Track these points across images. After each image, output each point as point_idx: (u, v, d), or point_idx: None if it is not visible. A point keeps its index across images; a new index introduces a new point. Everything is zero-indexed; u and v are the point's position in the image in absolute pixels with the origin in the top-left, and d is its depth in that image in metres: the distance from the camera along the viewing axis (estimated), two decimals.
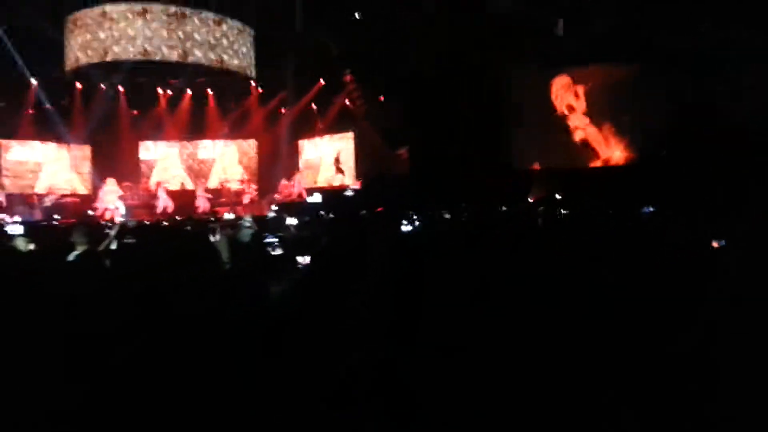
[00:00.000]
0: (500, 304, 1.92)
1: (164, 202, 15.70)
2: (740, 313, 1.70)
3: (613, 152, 13.73)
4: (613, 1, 11.44)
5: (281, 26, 14.30)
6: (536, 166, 14.00)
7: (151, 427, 1.32)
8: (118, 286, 2.44)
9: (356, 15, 13.79)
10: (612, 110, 13.68)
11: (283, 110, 17.68)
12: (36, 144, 16.41)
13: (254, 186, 17.50)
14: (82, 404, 1.33)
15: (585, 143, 13.92)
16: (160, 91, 16.90)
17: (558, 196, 12.19)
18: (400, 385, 1.43)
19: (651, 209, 6.88)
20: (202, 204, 15.77)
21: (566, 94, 14.00)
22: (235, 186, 17.36)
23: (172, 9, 13.38)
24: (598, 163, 13.83)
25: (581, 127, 13.93)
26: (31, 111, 15.85)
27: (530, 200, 13.29)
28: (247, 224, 5.40)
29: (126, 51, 13.13)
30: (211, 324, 1.56)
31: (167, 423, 1.33)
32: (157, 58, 13.33)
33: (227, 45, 14.13)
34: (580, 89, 13.89)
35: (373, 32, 13.81)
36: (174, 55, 13.44)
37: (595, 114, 13.83)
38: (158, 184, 16.96)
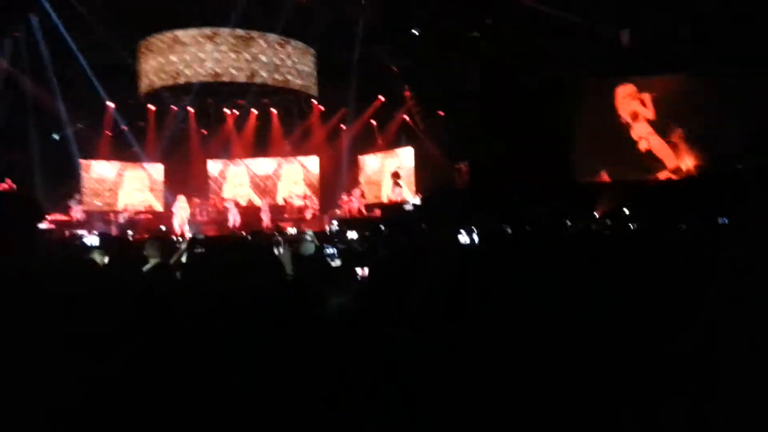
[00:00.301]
0: (564, 324, 1.87)
1: (234, 217, 16.24)
2: None
3: (683, 162, 13.19)
4: (683, 8, 11.04)
5: (342, 45, 14.61)
6: (604, 177, 13.58)
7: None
8: (186, 295, 2.54)
9: (414, 31, 13.90)
10: (681, 119, 13.17)
11: (343, 127, 17.98)
12: (113, 163, 17.37)
13: (316, 201, 17.83)
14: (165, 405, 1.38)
15: (651, 153, 13.45)
16: (227, 111, 17.56)
17: (626, 211, 11.79)
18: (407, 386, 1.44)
19: (726, 220, 6.55)
20: (266, 219, 16.18)
21: (631, 103, 13.59)
22: (297, 202, 17.74)
23: (239, 32, 13.97)
24: (665, 174, 13.32)
25: (646, 137, 13.48)
26: (108, 132, 16.80)
27: (596, 214, 12.90)
28: (309, 238, 5.52)
29: (196, 73, 13.79)
30: (274, 326, 1.62)
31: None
32: (226, 79, 13.94)
33: (291, 65, 14.63)
34: (647, 97, 13.46)
35: (432, 47, 13.87)
36: (241, 77, 14.03)
37: (662, 123, 13.35)
38: (225, 200, 17.57)
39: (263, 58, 14.20)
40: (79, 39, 13.39)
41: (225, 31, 13.91)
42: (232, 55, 13.93)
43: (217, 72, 13.84)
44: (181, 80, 13.90)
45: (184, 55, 13.78)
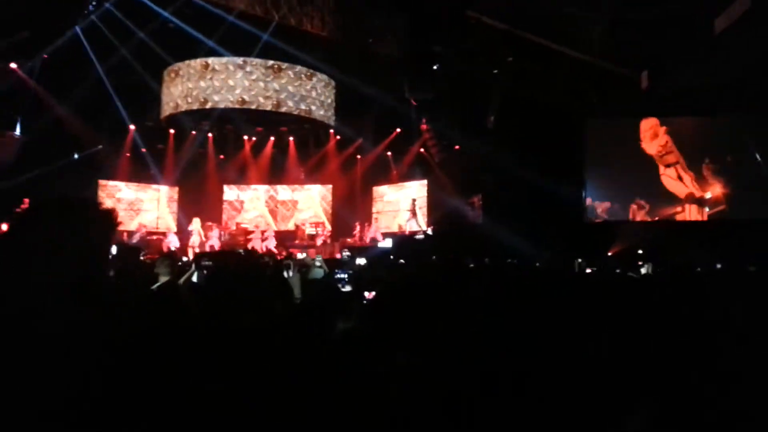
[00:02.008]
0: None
1: (246, 242, 16.32)
2: None
3: (702, 204, 13.13)
4: (700, 53, 11.10)
5: (362, 76, 14.85)
6: (638, 216, 13.48)
7: None
8: (193, 314, 2.54)
9: (433, 66, 14.09)
10: (699, 160, 13.16)
11: (359, 157, 18.13)
12: (131, 184, 17.62)
13: (328, 229, 17.88)
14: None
15: (669, 193, 13.39)
16: (245, 137, 17.81)
17: (639, 251, 11.69)
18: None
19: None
20: (273, 244, 16.25)
21: (651, 143, 13.60)
22: (309, 229, 17.81)
23: (270, 63, 14.32)
24: (683, 215, 13.24)
25: (665, 176, 13.45)
26: (128, 154, 17.08)
27: (609, 254, 12.81)
28: (318, 264, 5.54)
29: (225, 100, 14.11)
30: (277, 346, 1.61)
31: None
32: (254, 107, 14.25)
33: (315, 97, 14.97)
34: (666, 137, 13.48)
35: (452, 83, 14.04)
36: (268, 105, 14.37)
37: (680, 164, 13.33)
38: (239, 224, 17.70)
39: (290, 89, 14.55)
40: (104, 61, 13.72)
41: (256, 61, 14.28)
42: (261, 84, 14.28)
43: (246, 99, 14.16)
44: (209, 105, 14.20)
45: (214, 82, 14.12)
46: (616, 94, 13.10)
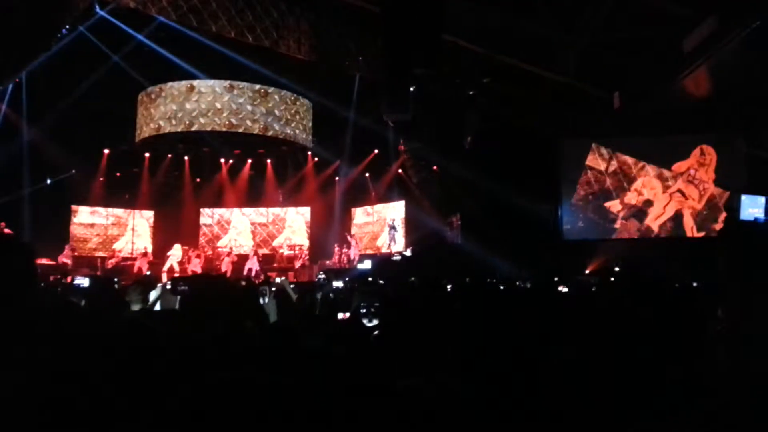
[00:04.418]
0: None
1: (226, 266, 16.14)
2: None
3: (665, 218, 13.40)
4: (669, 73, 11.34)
5: (339, 98, 14.89)
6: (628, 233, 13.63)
7: None
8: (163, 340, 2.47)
9: (410, 88, 14.20)
10: (676, 176, 13.45)
11: (337, 178, 18.12)
12: (105, 209, 17.33)
13: (306, 252, 17.76)
14: None
15: (640, 211, 13.60)
16: (222, 160, 17.69)
17: (616, 268, 11.79)
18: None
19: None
20: (254, 267, 16.07)
21: (622, 162, 13.83)
22: (287, 251, 17.67)
23: (257, 86, 14.41)
24: (656, 232, 13.47)
25: (639, 193, 13.68)
26: (102, 179, 16.83)
27: (587, 272, 12.91)
28: (291, 287, 5.49)
29: (212, 123, 14.05)
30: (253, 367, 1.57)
31: None
32: (241, 130, 14.24)
33: (298, 120, 15.03)
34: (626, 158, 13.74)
35: (429, 104, 14.14)
36: (256, 129, 14.39)
37: (654, 181, 13.59)
38: (218, 248, 17.48)
39: (276, 112, 14.60)
40: (77, 85, 13.56)
41: (244, 84, 14.31)
42: (249, 108, 14.29)
43: (233, 123, 14.15)
44: (194, 128, 14.13)
45: (200, 104, 14.07)
46: (591, 115, 13.32)
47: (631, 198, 13.65)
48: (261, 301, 4.72)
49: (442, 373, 1.77)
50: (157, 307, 4.85)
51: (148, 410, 1.45)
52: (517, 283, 8.35)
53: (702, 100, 11.00)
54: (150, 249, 17.46)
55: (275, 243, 18.35)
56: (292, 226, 18.69)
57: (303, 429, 1.34)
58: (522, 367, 1.92)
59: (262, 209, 18.84)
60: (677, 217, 13.39)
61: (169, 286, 4.98)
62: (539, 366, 1.98)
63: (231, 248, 17.52)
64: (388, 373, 1.75)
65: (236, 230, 18.64)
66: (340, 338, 1.98)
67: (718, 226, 12.80)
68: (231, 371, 1.59)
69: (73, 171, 15.78)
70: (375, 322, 2.77)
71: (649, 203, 13.56)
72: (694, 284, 6.47)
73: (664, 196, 13.49)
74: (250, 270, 15.88)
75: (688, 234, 13.28)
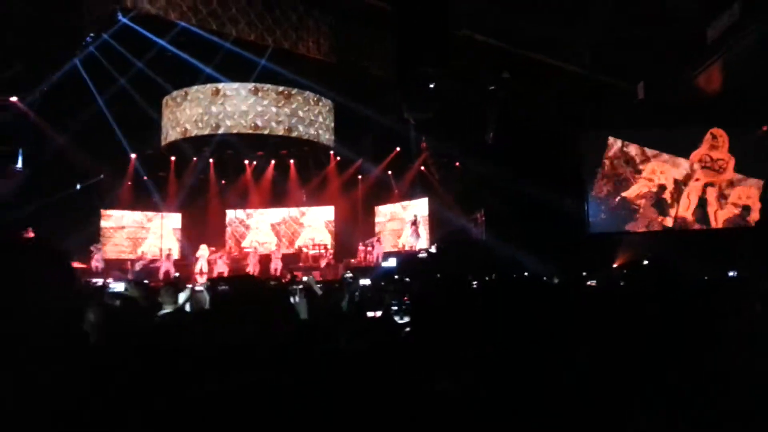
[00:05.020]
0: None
1: (253, 267, 16.33)
2: None
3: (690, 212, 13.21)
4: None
5: (360, 98, 14.92)
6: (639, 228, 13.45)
7: None
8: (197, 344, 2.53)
9: (431, 85, 14.17)
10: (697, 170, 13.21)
11: (360, 177, 18.17)
12: (133, 213, 17.64)
13: (331, 250, 17.86)
14: None
15: (660, 199, 13.40)
16: (246, 161, 17.88)
17: (645, 262, 11.63)
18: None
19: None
20: (278, 267, 16.22)
21: (642, 156, 13.63)
22: (313, 250, 17.78)
23: (280, 88, 14.59)
24: (670, 222, 13.28)
25: (657, 186, 13.48)
26: (129, 183, 17.14)
27: (614, 266, 12.74)
28: (318, 285, 5.54)
29: (238, 125, 14.25)
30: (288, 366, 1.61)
31: None
32: (266, 132, 14.42)
33: (321, 121, 15.15)
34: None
35: (450, 100, 14.09)
36: (281, 130, 14.56)
37: (669, 169, 13.40)
38: (244, 248, 17.70)
39: (300, 113, 14.74)
40: (103, 91, 13.83)
41: (268, 86, 14.50)
42: (273, 110, 14.47)
43: (258, 125, 14.33)
44: (221, 130, 14.35)
45: (227, 107, 14.25)
46: (610, 107, 13.15)
47: (647, 186, 13.47)
48: (291, 300, 4.79)
49: (467, 372, 1.79)
50: (187, 308, 4.94)
51: (171, 409, 1.48)
52: (544, 278, 8.30)
53: (721, 91, 10.80)
54: (175, 251, 17.73)
55: (299, 243, 18.48)
56: (312, 225, 18.80)
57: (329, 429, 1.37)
58: (541, 365, 1.92)
59: (282, 209, 18.99)
60: (702, 204, 13.16)
61: (201, 288, 5.07)
62: (559, 365, 1.98)
63: (255, 248, 17.72)
64: (418, 370, 1.77)
65: (258, 230, 18.82)
66: (372, 335, 2.00)
67: (736, 211, 12.61)
68: (260, 371, 1.63)
69: (102, 176, 16.10)
70: (406, 319, 2.80)
71: (663, 188, 13.35)
72: (730, 274, 6.39)
73: (685, 185, 13.28)
74: (275, 270, 16.03)
75: (712, 221, 13.04)
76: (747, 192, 12.83)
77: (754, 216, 12.45)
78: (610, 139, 13.73)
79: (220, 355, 2.14)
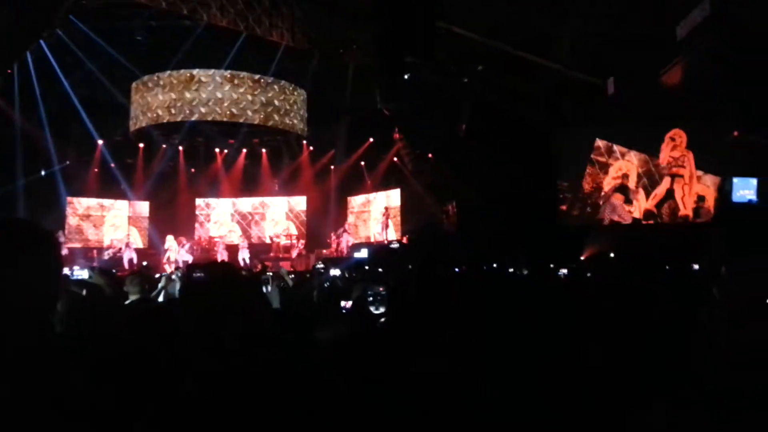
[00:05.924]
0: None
1: (221, 256, 16.14)
2: None
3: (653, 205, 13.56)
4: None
5: (333, 88, 14.85)
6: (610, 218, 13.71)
7: None
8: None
9: (404, 76, 14.18)
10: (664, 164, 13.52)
11: (332, 167, 18.11)
12: (100, 200, 17.27)
13: (302, 241, 17.79)
14: None
15: (631, 195, 13.70)
16: (217, 150, 17.64)
17: (611, 254, 11.85)
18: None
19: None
20: (245, 257, 16.11)
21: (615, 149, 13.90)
22: (283, 241, 17.69)
23: (257, 76, 14.37)
24: (638, 215, 13.62)
25: (625, 179, 13.77)
26: (96, 170, 16.76)
27: (582, 258, 12.97)
28: (290, 276, 5.55)
29: (213, 112, 13.98)
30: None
31: None
32: (242, 120, 14.20)
33: (296, 110, 14.99)
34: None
35: (423, 91, 14.12)
36: (256, 119, 14.32)
37: (636, 163, 13.70)
38: (212, 238, 17.49)
39: (276, 102, 14.55)
40: (71, 76, 13.48)
41: (244, 74, 14.26)
42: (249, 98, 14.25)
43: (234, 113, 14.11)
44: (194, 117, 14.07)
45: (201, 94, 13.99)
46: (583, 102, 13.33)
47: (616, 180, 13.75)
48: (264, 289, 4.77)
49: (442, 358, 1.81)
50: (161, 298, 4.88)
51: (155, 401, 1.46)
52: (513, 269, 8.42)
53: (691, 87, 11.03)
54: (141, 239, 17.43)
55: (271, 233, 18.34)
56: (275, 218, 18.64)
57: (318, 416, 1.37)
58: (512, 351, 1.95)
59: (246, 199, 18.81)
60: (668, 197, 13.48)
61: (174, 276, 5.01)
62: (527, 350, 2.01)
63: (222, 237, 17.54)
64: (398, 358, 1.78)
65: (221, 221, 18.63)
66: (347, 325, 2.01)
67: (707, 204, 12.96)
68: (243, 358, 1.62)
69: (68, 162, 15.72)
70: (382, 309, 2.82)
71: (631, 182, 13.65)
72: (695, 266, 6.56)
73: (651, 180, 13.59)
74: (243, 260, 15.91)
75: (679, 214, 13.38)
76: (705, 190, 13.24)
77: (709, 207, 12.87)
78: (582, 133, 13.95)
79: (193, 343, 2.11)
